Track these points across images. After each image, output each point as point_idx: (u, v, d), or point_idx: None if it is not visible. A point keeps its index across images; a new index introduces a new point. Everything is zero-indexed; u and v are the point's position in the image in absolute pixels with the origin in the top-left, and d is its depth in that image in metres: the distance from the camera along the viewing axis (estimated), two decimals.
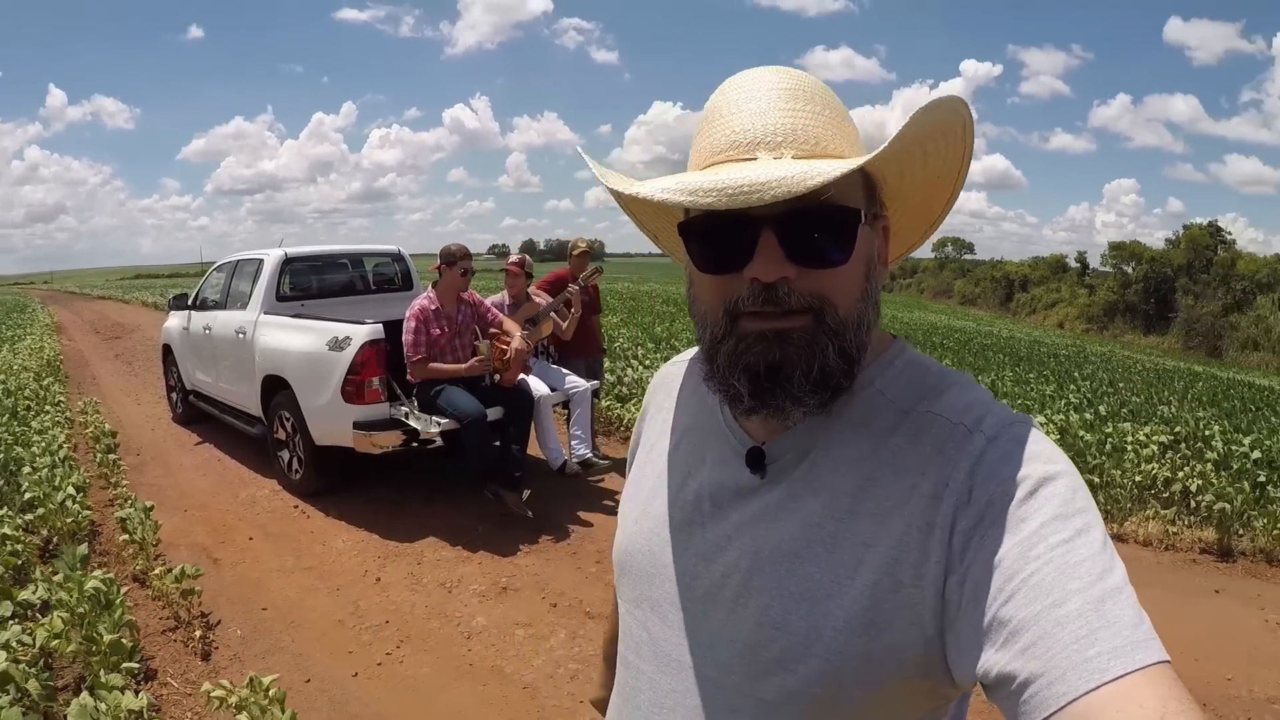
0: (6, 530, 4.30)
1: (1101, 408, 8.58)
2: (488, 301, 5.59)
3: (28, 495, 4.89)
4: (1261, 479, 5.81)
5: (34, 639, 3.20)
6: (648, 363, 10.27)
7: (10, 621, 3.33)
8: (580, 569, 4.49)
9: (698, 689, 0.82)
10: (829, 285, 0.73)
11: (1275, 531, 5.02)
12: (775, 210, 0.69)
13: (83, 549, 3.92)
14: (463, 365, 5.16)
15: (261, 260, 6.59)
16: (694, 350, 0.98)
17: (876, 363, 0.82)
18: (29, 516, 4.73)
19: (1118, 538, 4.69)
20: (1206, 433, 7.08)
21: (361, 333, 5.10)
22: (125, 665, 3.13)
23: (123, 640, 3.24)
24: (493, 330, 5.37)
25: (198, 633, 3.66)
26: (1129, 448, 6.33)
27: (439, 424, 5.00)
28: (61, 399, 9.04)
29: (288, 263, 6.62)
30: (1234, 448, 6.50)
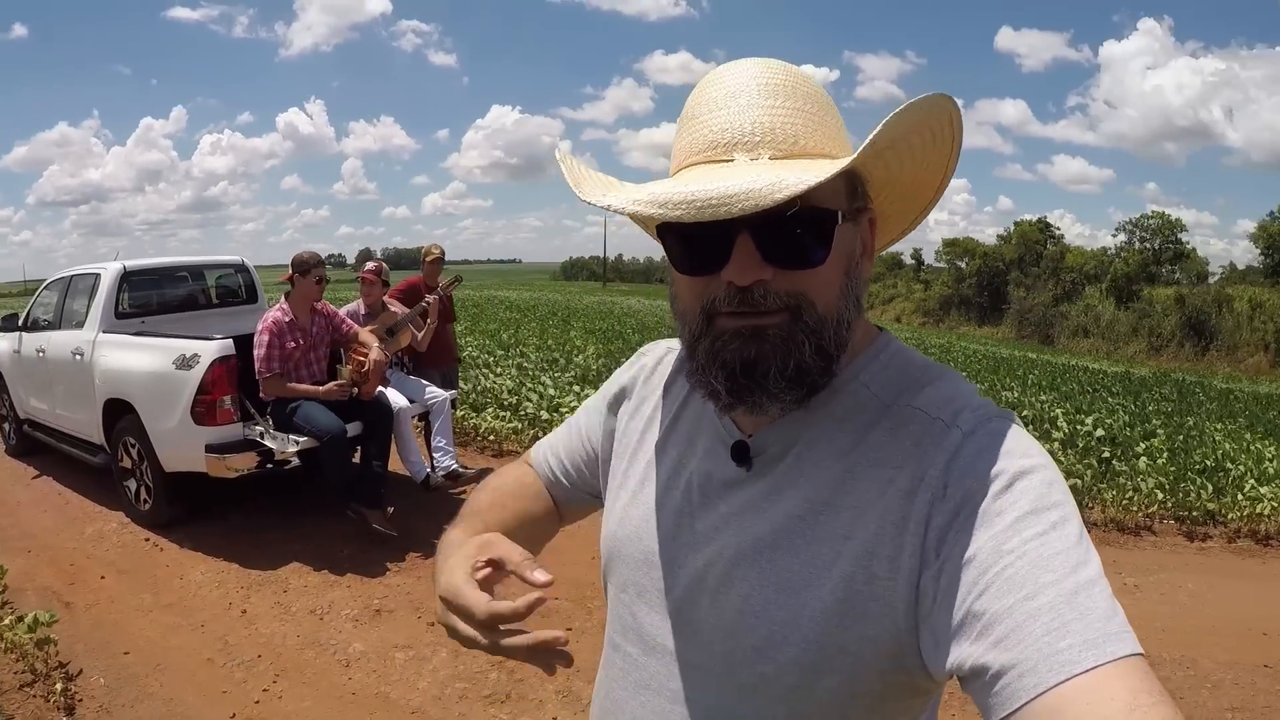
0: None
1: None
2: (341, 312, 5.42)
3: None
4: (1106, 455, 6.40)
5: None
6: (499, 370, 10.29)
7: None
8: None
9: (680, 673, 0.84)
10: (806, 285, 0.74)
11: (1123, 502, 5.56)
12: (750, 213, 0.68)
13: None
14: (320, 388, 4.95)
15: (98, 275, 6.14)
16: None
17: (862, 356, 0.83)
18: None
19: None
20: (1052, 414, 7.69)
21: (211, 349, 4.84)
22: None
23: None
24: (355, 344, 5.20)
25: (59, 685, 3.41)
26: None
27: (297, 443, 4.79)
28: None
29: (126, 277, 6.20)
30: (1078, 427, 7.09)
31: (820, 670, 0.74)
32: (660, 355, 1.05)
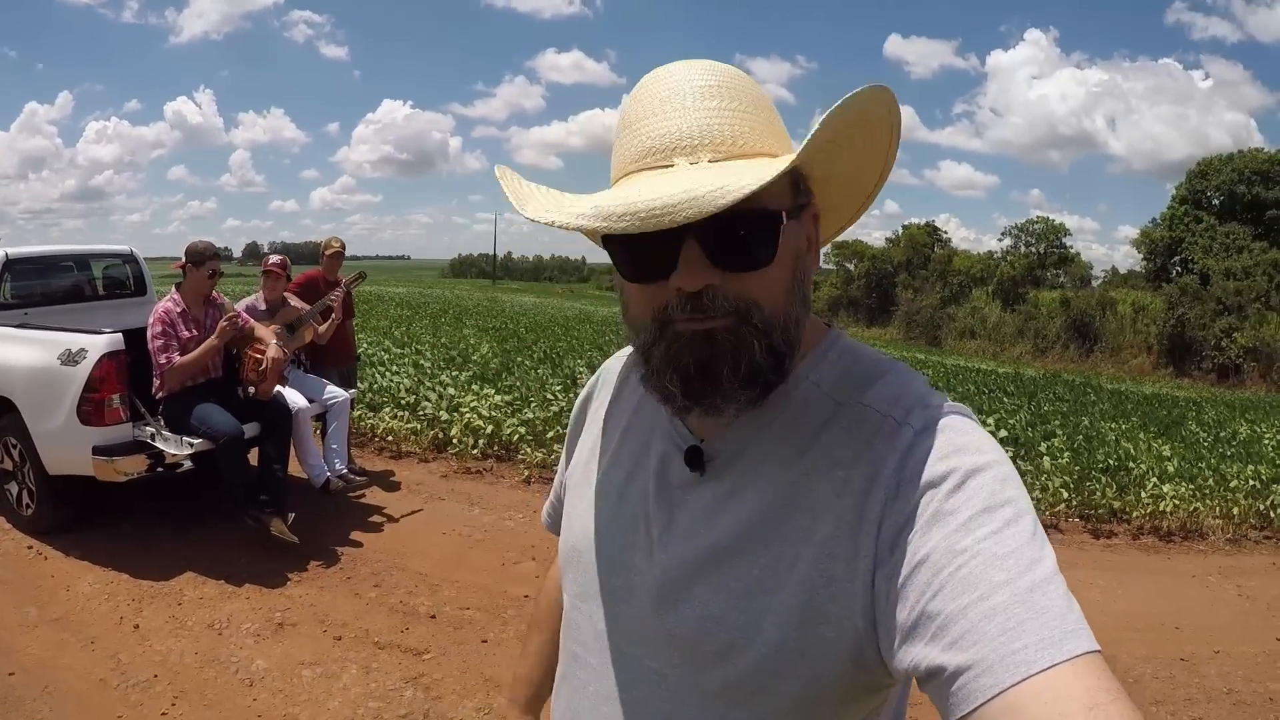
0: None
1: None
2: (238, 305, 5.16)
3: None
4: (1010, 455, 6.66)
5: None
6: (395, 369, 10.07)
7: None
8: (359, 595, 4.31)
9: (643, 681, 0.84)
10: (754, 287, 0.74)
11: (1034, 500, 5.82)
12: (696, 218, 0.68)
13: None
14: (214, 338, 4.68)
15: None
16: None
17: (811, 354, 0.83)
18: None
19: None
20: None
21: (99, 344, 4.55)
22: None
23: None
24: (253, 340, 4.97)
25: None
26: None
27: (192, 445, 4.55)
28: None
29: (8, 265, 5.84)
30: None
31: (782, 675, 0.74)
32: (614, 366, 1.06)
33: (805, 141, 0.69)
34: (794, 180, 0.78)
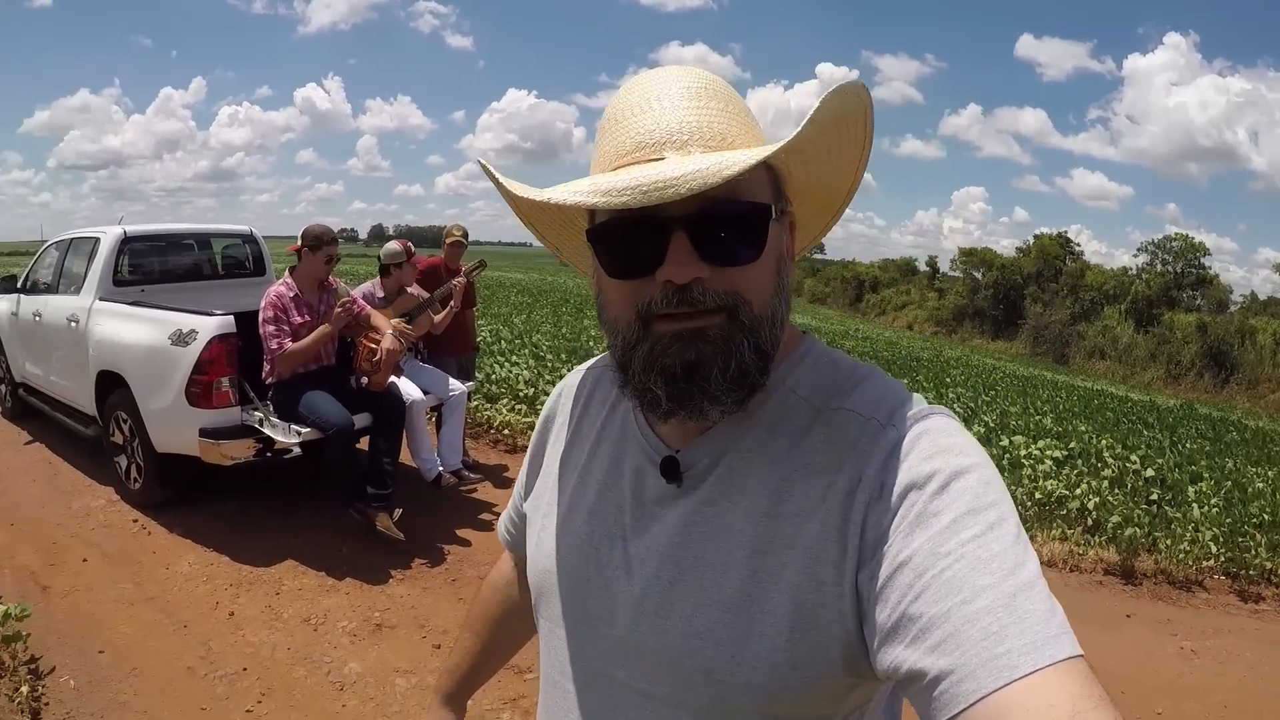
0: None
1: (988, 418, 8.42)
2: (355, 292, 5.03)
3: None
4: (1155, 497, 6.00)
5: None
6: (515, 360, 9.85)
7: None
8: (463, 599, 4.06)
9: (628, 704, 0.81)
10: (742, 282, 0.73)
11: (1177, 555, 5.16)
12: (685, 210, 0.69)
13: None
14: (328, 326, 4.55)
15: (98, 239, 5.83)
16: (601, 357, 0.99)
17: (787, 361, 0.82)
18: None
19: None
20: (1096, 447, 7.28)
21: (209, 325, 4.47)
22: None
23: None
24: (368, 328, 4.78)
25: (24, 688, 3.10)
26: (1025, 463, 6.15)
27: (300, 433, 4.40)
28: None
29: (127, 242, 5.87)
30: (1126, 464, 6.68)
31: (775, 688, 0.72)
32: (574, 382, 1.03)
33: (798, 129, 0.67)
34: (776, 184, 0.78)
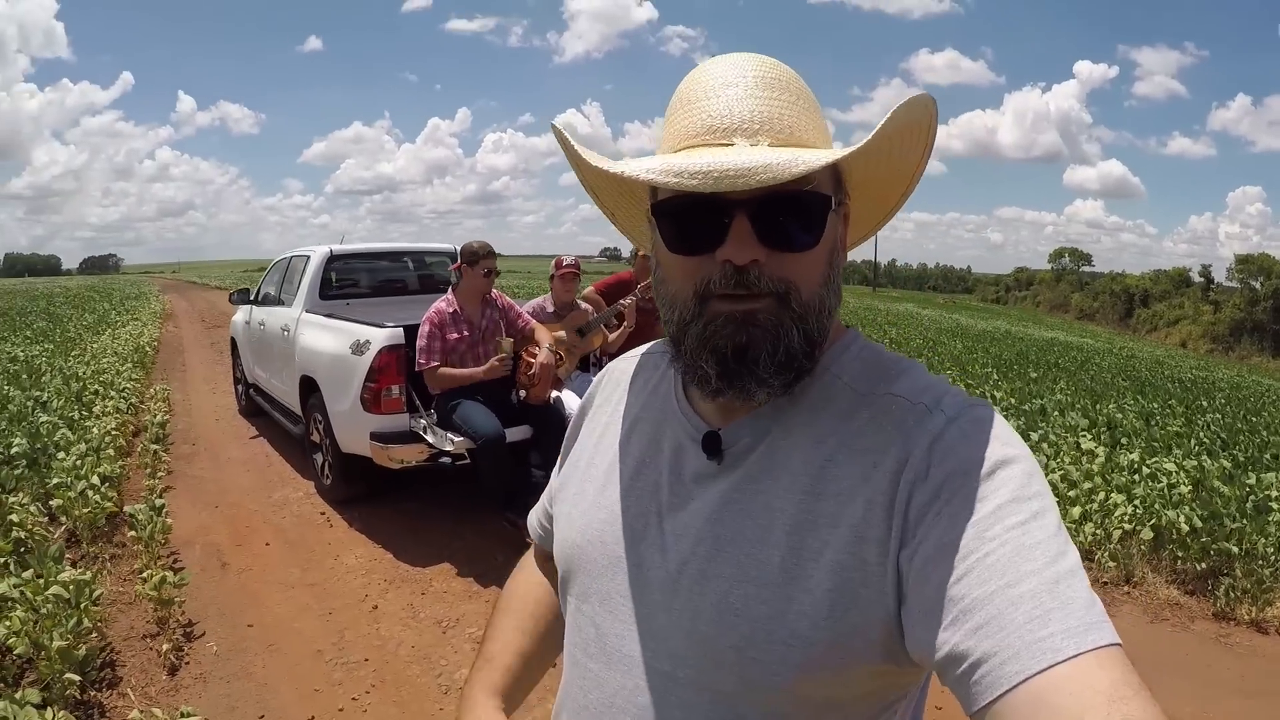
0: (14, 518, 4.22)
1: (1239, 451, 6.85)
2: (525, 307, 5.16)
3: (54, 482, 4.82)
4: None
5: None
6: None
7: None
8: None
9: (648, 684, 0.80)
10: (795, 270, 0.74)
11: None
12: (750, 194, 0.70)
13: (55, 547, 3.74)
14: (478, 369, 4.65)
15: (308, 257, 6.43)
16: (644, 347, 1.03)
17: (832, 349, 0.83)
18: (54, 503, 4.67)
19: (1256, 625, 3.95)
20: None
21: (380, 337, 4.76)
22: (66, 676, 2.94)
23: (72, 649, 3.05)
24: (530, 342, 4.89)
25: (165, 646, 3.43)
26: (1276, 507, 4.91)
27: (453, 441, 4.56)
28: (128, 386, 9.06)
29: (332, 260, 6.44)
30: None
31: (812, 667, 0.72)
32: (617, 367, 1.04)
33: (871, 134, 0.69)
34: (836, 177, 0.79)
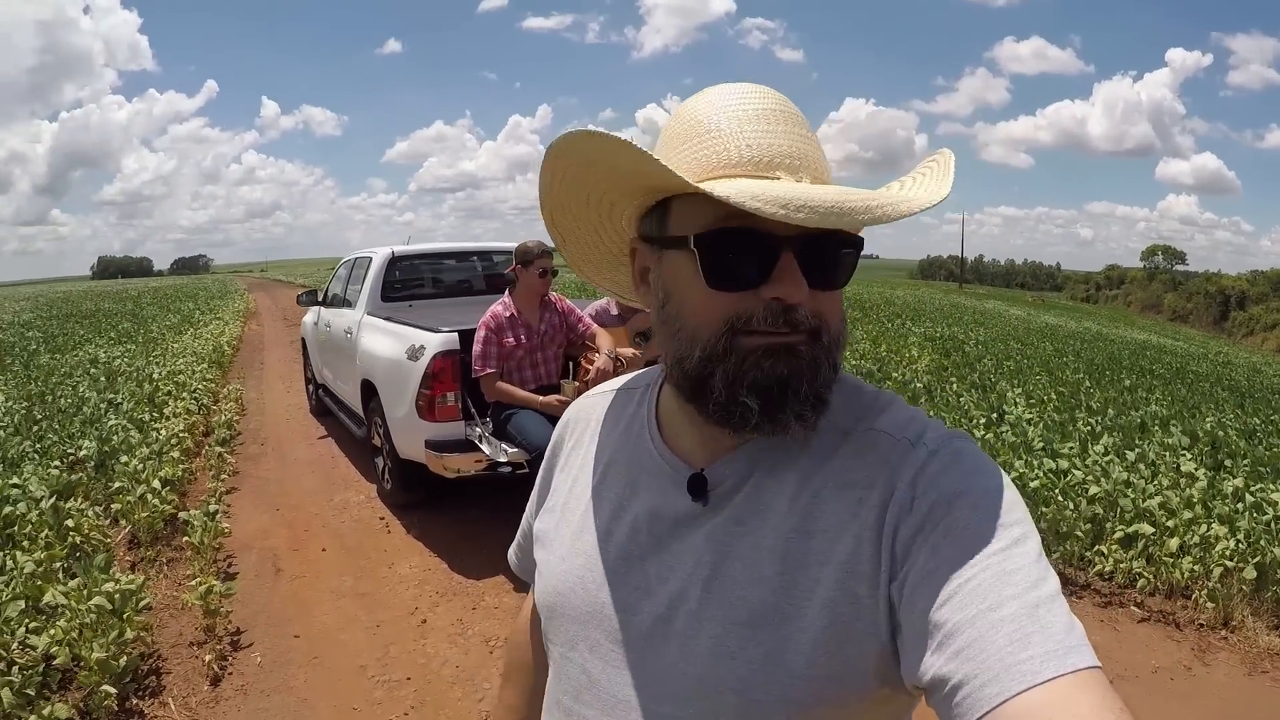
0: (69, 523, 4.24)
1: None
2: (586, 311, 4.88)
3: (116, 486, 4.86)
4: None
5: (38, 645, 3.05)
6: None
7: (26, 620, 3.20)
8: None
9: None
10: (826, 307, 0.75)
11: None
12: (798, 232, 0.70)
13: (101, 557, 3.71)
14: (538, 398, 4.36)
15: (370, 258, 6.38)
16: (612, 383, 1.01)
17: None
18: (114, 507, 4.70)
19: None
20: None
21: (434, 342, 4.60)
22: (104, 688, 2.90)
23: (112, 660, 3.00)
24: (590, 347, 4.64)
25: (208, 657, 3.38)
26: None
27: (506, 452, 4.35)
28: (200, 386, 9.14)
29: (394, 261, 6.36)
30: None
31: (811, 702, 0.72)
32: (584, 406, 1.03)
33: (944, 194, 0.73)
34: None
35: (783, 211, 0.65)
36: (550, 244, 4.49)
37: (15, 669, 2.96)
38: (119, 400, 7.86)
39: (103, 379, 9.59)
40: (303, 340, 8.40)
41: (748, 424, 0.75)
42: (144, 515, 4.57)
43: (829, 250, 0.73)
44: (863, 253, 0.77)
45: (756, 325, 0.72)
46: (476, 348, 4.39)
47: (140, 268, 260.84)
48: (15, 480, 4.79)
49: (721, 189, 0.68)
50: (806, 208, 0.65)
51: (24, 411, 7.48)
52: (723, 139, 0.76)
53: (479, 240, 6.12)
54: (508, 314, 4.47)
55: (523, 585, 4.11)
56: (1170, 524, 4.42)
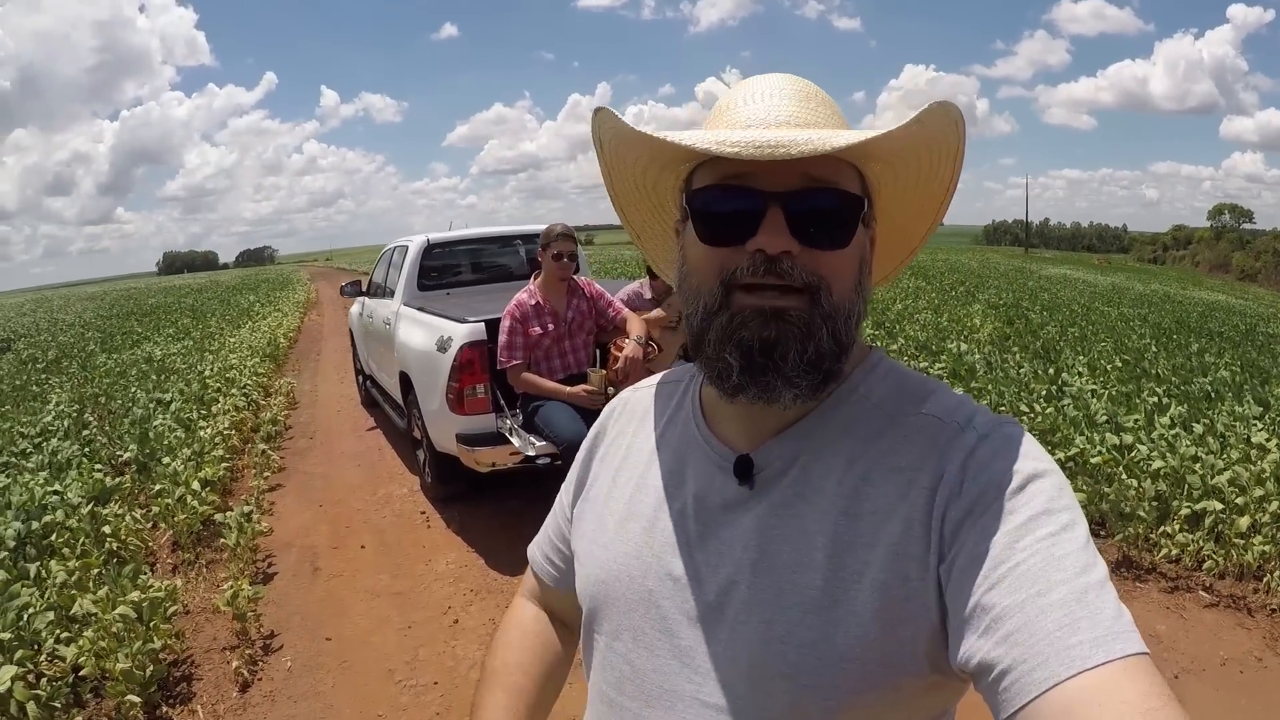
0: (106, 529, 4.25)
1: None
2: (618, 295, 4.67)
3: (155, 489, 4.88)
4: None
5: (67, 656, 3.05)
6: None
7: (57, 631, 3.20)
8: None
9: (696, 718, 0.77)
10: (827, 267, 0.74)
11: None
12: (785, 186, 0.72)
13: (131, 565, 3.70)
14: (565, 389, 4.19)
15: (406, 247, 6.29)
16: (656, 376, 1.02)
17: (859, 369, 0.83)
18: (154, 510, 4.72)
19: None
20: None
21: (460, 333, 4.45)
22: (128, 699, 2.88)
23: (137, 670, 2.98)
24: (621, 334, 4.39)
25: (234, 663, 3.33)
26: None
27: (534, 445, 4.20)
28: (250, 382, 9.19)
29: (429, 250, 6.24)
30: None
31: (864, 687, 0.71)
32: (628, 397, 1.03)
33: (902, 123, 0.68)
34: (865, 189, 0.79)
35: (715, 146, 0.68)
36: (568, 226, 4.32)
37: (44, 681, 2.96)
38: (169, 399, 7.95)
39: (153, 377, 9.74)
40: (349, 330, 8.40)
41: (728, 381, 0.75)
42: (183, 518, 4.57)
43: (814, 205, 0.73)
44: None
45: (741, 277, 0.73)
46: (501, 338, 4.22)
47: (206, 261, 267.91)
48: (55, 487, 4.84)
49: (685, 137, 0.71)
50: (742, 144, 0.67)
51: (75, 415, 7.62)
52: (729, 115, 0.79)
53: (540, 222, 5.85)
54: (533, 302, 4.27)
55: None
56: (1240, 501, 4.13)
